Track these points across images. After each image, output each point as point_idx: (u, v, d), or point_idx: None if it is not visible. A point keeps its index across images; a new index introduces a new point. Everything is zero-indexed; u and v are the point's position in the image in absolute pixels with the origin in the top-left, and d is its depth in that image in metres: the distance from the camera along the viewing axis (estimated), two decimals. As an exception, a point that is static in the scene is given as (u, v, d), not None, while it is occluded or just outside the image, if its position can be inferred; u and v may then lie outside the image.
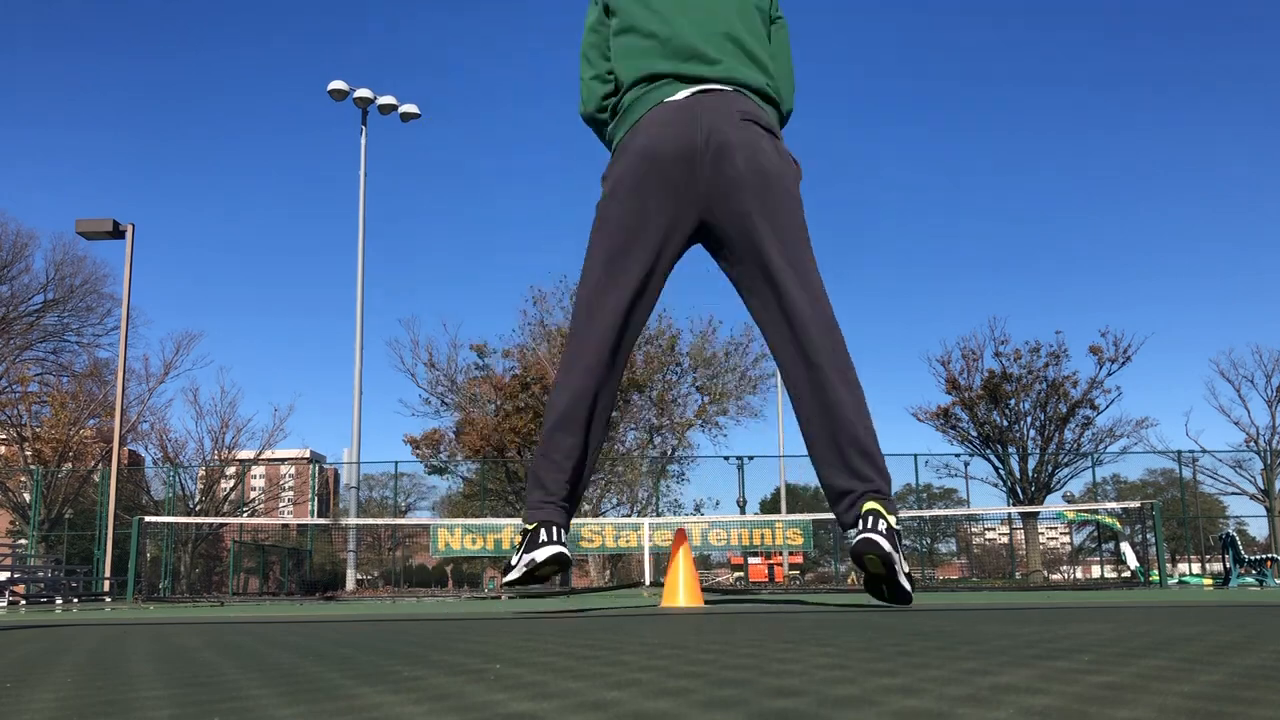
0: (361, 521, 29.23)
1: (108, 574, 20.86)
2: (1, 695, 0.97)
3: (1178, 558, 32.59)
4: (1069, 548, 45.68)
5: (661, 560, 19.77)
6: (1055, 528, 48.15)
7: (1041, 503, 31.62)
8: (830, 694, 0.77)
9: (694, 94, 3.08)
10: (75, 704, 0.90)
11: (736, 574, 30.07)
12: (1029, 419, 33.45)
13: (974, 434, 33.66)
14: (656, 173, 3.03)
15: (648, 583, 17.14)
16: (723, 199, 3.02)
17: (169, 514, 29.28)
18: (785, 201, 3.02)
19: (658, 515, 27.05)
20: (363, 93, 27.26)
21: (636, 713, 0.73)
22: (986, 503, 32.91)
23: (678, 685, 0.86)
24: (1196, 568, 27.75)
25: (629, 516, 30.12)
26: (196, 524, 31.32)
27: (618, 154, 3.14)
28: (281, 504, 39.89)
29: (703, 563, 34.89)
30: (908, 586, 2.98)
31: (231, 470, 35.54)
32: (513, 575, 3.10)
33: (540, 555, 3.04)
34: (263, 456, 37.18)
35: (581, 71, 3.36)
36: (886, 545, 2.84)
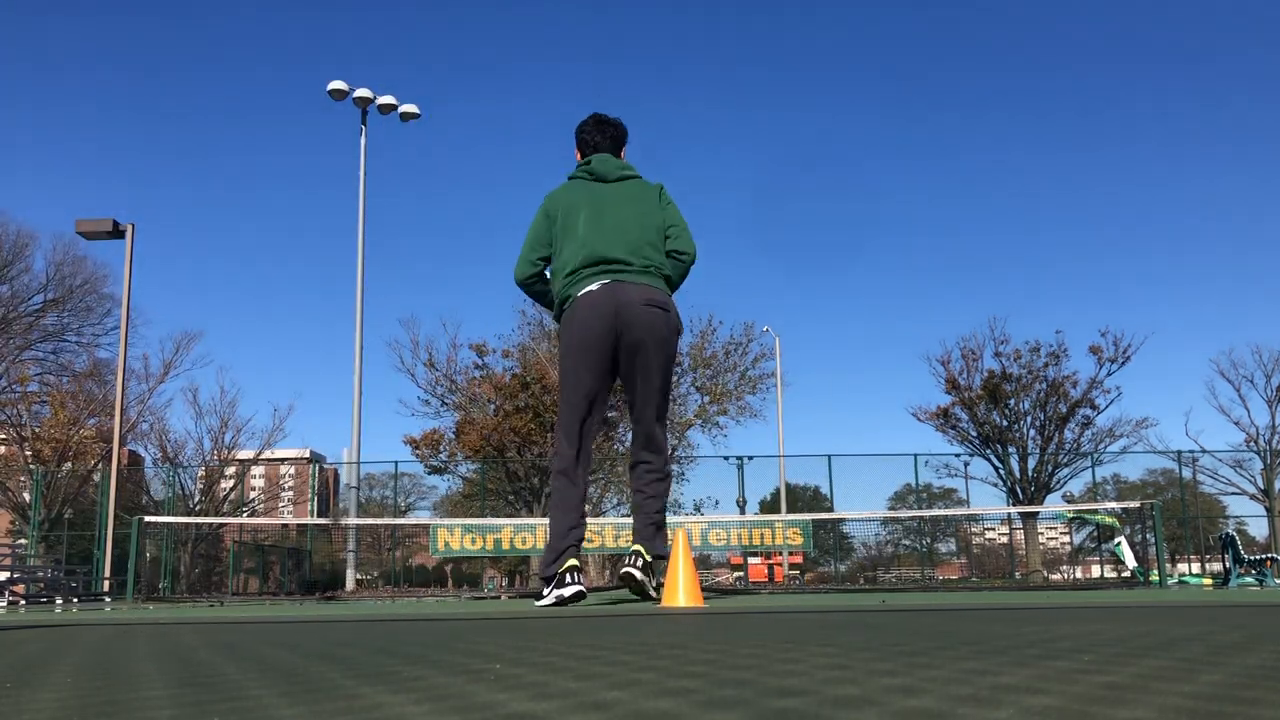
0: (361, 521, 29.21)
1: (107, 574, 20.86)
2: (3, 696, 0.97)
3: (1178, 558, 32.56)
4: (1069, 548, 45.67)
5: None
6: (1055, 527, 48.13)
7: (1041, 503, 31.61)
8: (832, 694, 0.76)
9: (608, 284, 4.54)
10: (77, 704, 0.90)
11: (736, 574, 30.06)
12: (1029, 419, 33.45)
13: (974, 434, 33.65)
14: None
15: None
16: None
17: (169, 514, 29.25)
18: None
19: (657, 515, 26.98)
20: (362, 92, 27.21)
21: (638, 712, 0.73)
22: (986, 503, 32.91)
23: (679, 685, 0.86)
24: (1196, 568, 27.74)
25: (629, 516, 30.11)
26: (196, 524, 31.29)
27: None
28: (281, 504, 39.88)
29: (703, 563, 34.89)
30: (655, 596, 4.69)
31: (231, 470, 35.52)
32: (544, 602, 4.37)
33: (567, 592, 4.34)
34: (262, 456, 37.16)
35: (523, 249, 4.81)
36: (639, 575, 4.61)
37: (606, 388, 4.68)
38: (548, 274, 4.82)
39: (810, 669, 0.96)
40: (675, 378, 33.46)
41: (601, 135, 4.91)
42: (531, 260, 4.78)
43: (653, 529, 4.75)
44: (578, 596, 4.37)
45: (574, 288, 4.55)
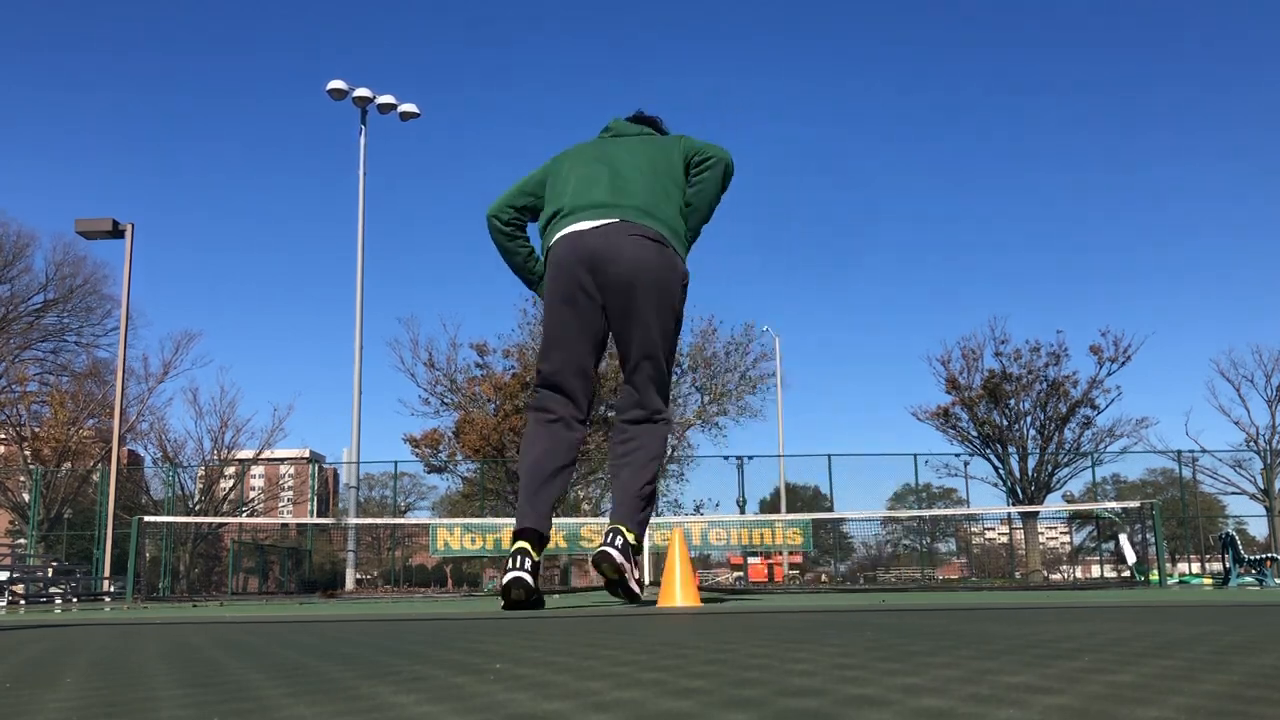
0: (361, 521, 29.22)
1: (107, 574, 20.86)
2: (3, 696, 0.96)
3: (1178, 557, 32.57)
4: (1069, 547, 45.69)
5: (661, 560, 19.74)
6: (1055, 527, 48.14)
7: (1041, 502, 31.62)
8: (849, 693, 0.76)
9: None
10: (78, 704, 0.90)
11: (736, 574, 30.06)
12: (1029, 419, 33.46)
13: (974, 434, 33.65)
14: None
15: (647, 582, 17.15)
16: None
17: (168, 514, 29.25)
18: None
19: (658, 515, 27.04)
20: (362, 92, 27.22)
21: (652, 713, 0.72)
22: (986, 502, 32.92)
23: (689, 685, 0.85)
24: (1196, 567, 27.74)
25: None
26: (196, 524, 31.30)
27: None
28: (281, 504, 39.88)
29: (703, 563, 34.89)
30: (636, 590, 3.84)
31: (231, 470, 35.53)
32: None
33: (505, 579, 3.59)
34: (262, 456, 37.17)
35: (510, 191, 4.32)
36: (618, 556, 3.68)
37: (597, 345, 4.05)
38: (526, 232, 4.31)
39: (820, 668, 0.95)
40: (675, 376, 33.44)
41: (633, 119, 4.36)
42: (506, 201, 4.27)
43: (638, 502, 3.88)
44: (515, 585, 3.50)
45: (555, 230, 3.95)
